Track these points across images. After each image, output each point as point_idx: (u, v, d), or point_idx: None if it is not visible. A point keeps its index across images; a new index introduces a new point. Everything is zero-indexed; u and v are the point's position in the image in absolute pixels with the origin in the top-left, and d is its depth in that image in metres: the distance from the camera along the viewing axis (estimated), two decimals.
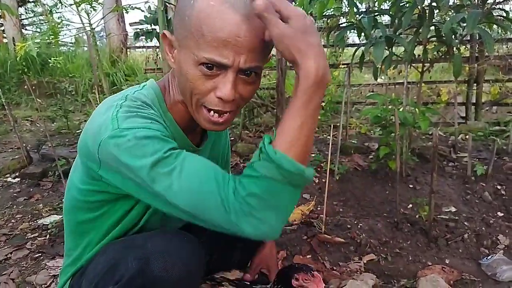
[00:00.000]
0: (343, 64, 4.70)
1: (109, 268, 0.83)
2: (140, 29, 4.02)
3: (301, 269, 1.04)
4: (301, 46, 0.68)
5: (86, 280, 0.89)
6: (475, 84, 4.10)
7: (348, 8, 2.35)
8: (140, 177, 0.73)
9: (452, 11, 2.30)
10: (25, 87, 6.47)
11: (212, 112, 0.81)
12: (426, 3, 2.11)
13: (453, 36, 2.15)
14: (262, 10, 0.67)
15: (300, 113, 0.71)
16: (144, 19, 3.79)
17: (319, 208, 2.13)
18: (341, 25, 4.07)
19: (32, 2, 11.78)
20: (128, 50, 7.79)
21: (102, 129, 0.76)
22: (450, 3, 2.09)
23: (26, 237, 1.97)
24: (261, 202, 0.71)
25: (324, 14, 3.66)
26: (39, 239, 1.94)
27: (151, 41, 4.35)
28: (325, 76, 0.70)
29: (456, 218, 1.93)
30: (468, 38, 3.76)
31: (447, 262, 1.61)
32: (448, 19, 2.13)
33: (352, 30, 2.43)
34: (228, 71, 0.75)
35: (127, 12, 3.03)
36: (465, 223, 1.88)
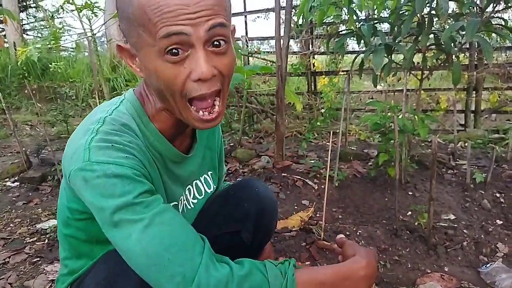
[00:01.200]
0: (342, 71, 4.71)
1: (109, 279, 0.81)
2: None
3: None
4: (368, 256, 0.87)
5: None
6: (474, 92, 4.11)
7: (348, 15, 2.36)
8: (102, 218, 0.71)
9: (451, 19, 2.33)
10: (26, 91, 6.49)
11: (201, 112, 0.76)
12: (425, 11, 2.13)
13: (452, 44, 2.16)
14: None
15: (333, 274, 0.81)
16: None
17: (318, 215, 2.13)
18: (340, 32, 4.10)
19: (34, 7, 11.83)
20: None
21: (74, 158, 0.73)
22: (449, 11, 2.10)
23: (25, 242, 1.97)
24: None
25: (324, 21, 3.68)
26: (37, 243, 1.94)
27: None
28: (367, 278, 0.83)
29: (455, 225, 1.93)
30: (467, 46, 3.78)
31: (446, 270, 1.60)
32: (447, 27, 2.14)
33: (351, 38, 2.45)
34: (194, 48, 0.69)
35: None
36: (464, 230, 1.88)
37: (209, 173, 1.12)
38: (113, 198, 0.69)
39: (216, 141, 1.15)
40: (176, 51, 0.69)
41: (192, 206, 1.05)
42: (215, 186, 1.16)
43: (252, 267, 0.77)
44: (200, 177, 1.08)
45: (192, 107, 0.76)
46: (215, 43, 0.71)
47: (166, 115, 0.84)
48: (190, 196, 1.04)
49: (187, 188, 1.03)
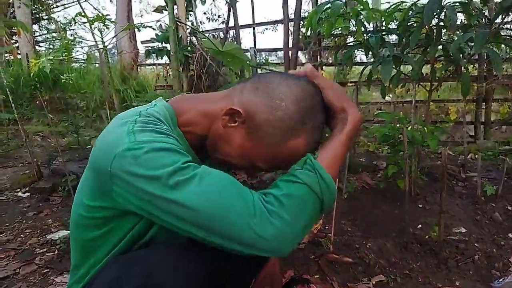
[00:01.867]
0: (351, 82, 4.72)
1: (112, 283, 0.82)
2: (151, 47, 4.11)
3: (300, 281, 1.05)
4: (347, 99, 0.89)
5: None
6: (483, 103, 4.08)
7: (356, 27, 2.37)
8: (156, 189, 0.73)
9: (460, 30, 2.32)
10: (37, 102, 6.59)
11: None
12: (433, 22, 2.13)
13: (461, 55, 2.16)
14: (313, 71, 0.90)
15: (342, 145, 0.85)
16: (155, 37, 3.87)
17: (326, 227, 2.11)
18: (348, 44, 4.11)
19: (46, 19, 12.08)
20: (139, 67, 7.92)
21: (118, 142, 0.76)
22: (458, 22, 2.10)
23: (35, 252, 1.98)
24: (295, 205, 0.76)
25: (332, 33, 3.70)
26: (47, 254, 1.95)
27: (161, 58, 4.43)
28: (361, 125, 0.90)
29: (466, 239, 1.90)
30: (476, 57, 3.77)
31: (458, 284, 1.58)
32: (456, 38, 2.14)
33: (359, 49, 2.45)
34: None
35: (139, 31, 3.10)
36: (476, 244, 1.86)
37: None
38: (164, 167, 0.73)
39: None
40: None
41: None
42: None
43: (286, 184, 0.80)
44: None
45: None
46: None
47: (195, 137, 0.93)
48: None
49: None
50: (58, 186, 2.88)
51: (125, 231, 0.89)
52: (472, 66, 3.94)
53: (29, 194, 2.89)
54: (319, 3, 2.35)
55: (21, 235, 2.20)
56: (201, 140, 0.93)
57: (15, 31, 8.32)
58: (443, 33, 2.33)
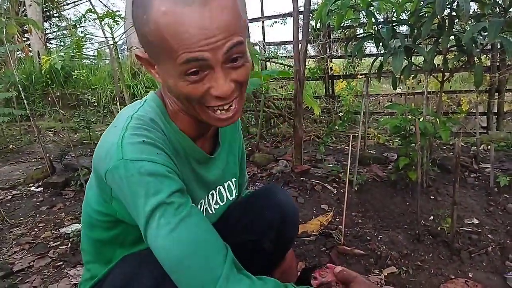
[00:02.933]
0: (360, 74, 4.68)
1: (124, 283, 0.83)
2: None
3: (315, 267, 1.04)
4: None
5: None
6: (496, 94, 4.01)
7: (366, 18, 2.35)
8: (137, 216, 0.73)
9: (473, 20, 2.28)
10: (49, 98, 6.67)
11: (218, 111, 0.76)
12: (445, 12, 2.09)
13: (473, 45, 2.12)
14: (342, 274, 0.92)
15: None
16: None
17: (337, 219, 2.11)
18: (358, 36, 4.07)
19: (57, 17, 12.17)
20: None
21: (108, 156, 0.74)
22: (471, 12, 2.06)
23: (49, 246, 2.01)
24: None
25: (341, 25, 3.66)
26: (61, 247, 1.98)
27: None
28: None
29: (479, 230, 1.88)
30: (489, 47, 3.70)
31: (471, 276, 1.56)
32: (469, 28, 2.11)
33: (370, 41, 2.43)
34: (213, 69, 0.70)
35: None
36: (489, 235, 1.84)
37: (233, 180, 1.13)
38: (147, 197, 0.71)
39: (238, 147, 1.15)
40: (195, 71, 0.70)
41: (213, 211, 1.05)
42: (237, 194, 1.16)
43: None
44: (224, 183, 1.08)
45: (210, 110, 0.77)
46: (232, 59, 0.72)
47: (185, 116, 0.86)
48: (212, 201, 1.04)
49: (210, 193, 1.03)
50: (71, 181, 2.92)
51: (136, 235, 0.87)
52: (485, 56, 3.88)
53: (42, 188, 2.93)
54: None
55: (35, 229, 2.23)
56: (190, 117, 0.85)
57: (26, 29, 8.41)
58: (455, 23, 2.29)
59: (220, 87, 0.71)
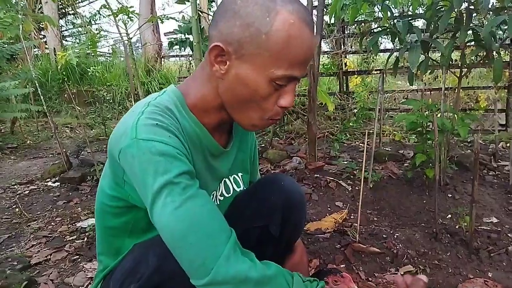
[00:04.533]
0: (375, 70, 4.62)
1: (133, 267, 0.86)
2: (174, 39, 4.12)
3: (330, 271, 1.03)
4: None
5: (114, 280, 0.91)
6: None
7: (381, 13, 2.31)
8: (144, 193, 0.75)
9: (491, 13, 2.22)
10: (65, 95, 6.76)
11: (263, 120, 0.84)
12: (463, 6, 2.05)
13: (492, 40, 2.07)
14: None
15: None
16: (178, 29, 3.88)
17: (352, 217, 2.09)
18: (373, 31, 4.01)
19: (72, 14, 12.32)
20: (162, 59, 7.99)
21: (123, 137, 0.77)
22: (489, 5, 2.01)
23: (65, 240, 2.04)
24: (267, 280, 0.76)
25: (356, 19, 3.62)
26: (77, 241, 2.01)
27: (184, 50, 4.45)
28: None
29: (499, 229, 1.84)
30: (509, 41, 3.61)
31: (490, 275, 1.53)
32: (487, 22, 2.05)
33: (385, 35, 2.39)
34: (294, 82, 0.80)
35: (162, 22, 3.12)
36: (509, 234, 1.80)
37: (240, 174, 1.13)
38: (155, 176, 0.73)
39: (249, 145, 1.16)
40: (286, 81, 0.78)
41: (218, 203, 1.06)
42: (244, 188, 1.16)
43: (279, 273, 0.79)
44: (230, 176, 1.09)
45: (258, 116, 0.84)
46: None
47: (214, 112, 0.89)
48: (218, 192, 1.05)
49: (220, 184, 1.04)
50: (87, 176, 2.96)
51: (146, 221, 0.88)
52: (504, 51, 3.78)
53: (59, 183, 2.98)
54: None
55: (52, 223, 2.26)
56: (221, 112, 0.88)
57: (43, 26, 8.53)
58: (473, 17, 2.24)
59: (290, 99, 0.81)
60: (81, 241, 2.00)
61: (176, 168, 0.74)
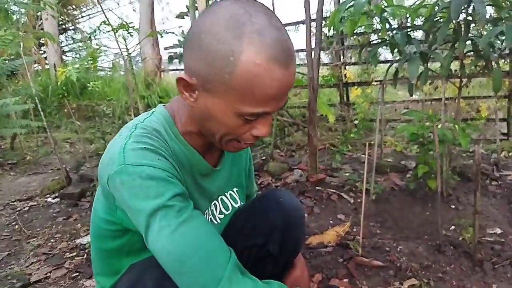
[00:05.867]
0: (375, 81, 4.63)
1: (130, 286, 0.84)
2: (173, 53, 4.15)
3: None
4: None
5: None
6: None
7: (380, 24, 2.32)
8: (138, 220, 0.73)
9: (489, 24, 2.23)
10: (65, 110, 6.77)
11: (242, 143, 0.82)
12: (461, 17, 2.05)
13: (491, 50, 2.07)
14: None
15: None
16: (178, 43, 3.91)
17: (355, 229, 2.07)
18: (372, 42, 4.03)
19: (72, 29, 12.44)
20: (162, 73, 8.03)
21: (110, 162, 0.75)
22: (487, 16, 2.02)
23: (65, 257, 2.02)
24: None
25: (355, 31, 3.63)
26: (76, 258, 1.99)
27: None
28: None
29: (503, 240, 1.82)
30: (507, 51, 3.63)
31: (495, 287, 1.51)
32: (485, 32, 2.06)
33: (384, 47, 2.40)
34: (267, 116, 0.78)
35: (161, 37, 3.14)
36: None
37: (235, 189, 1.12)
38: (147, 200, 0.71)
39: (244, 158, 1.15)
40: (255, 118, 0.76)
41: (219, 221, 1.05)
42: (242, 203, 1.15)
43: None
44: (226, 193, 1.08)
45: (235, 142, 0.82)
46: None
47: (197, 136, 0.88)
48: (216, 211, 1.04)
49: (212, 203, 1.03)
50: (87, 191, 2.94)
51: (140, 245, 0.87)
52: (503, 61, 3.80)
53: (58, 199, 2.96)
54: (341, 2, 2.31)
55: (52, 240, 2.24)
56: (204, 136, 0.87)
57: (43, 42, 8.60)
58: (471, 28, 2.25)
59: (265, 131, 0.78)
60: (81, 258, 1.99)
61: (169, 191, 0.73)
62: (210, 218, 1.02)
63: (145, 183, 0.72)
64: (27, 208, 2.85)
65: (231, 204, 1.09)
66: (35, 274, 1.85)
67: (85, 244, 2.09)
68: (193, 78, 0.75)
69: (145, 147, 0.76)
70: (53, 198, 3.00)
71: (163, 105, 0.91)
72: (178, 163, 0.83)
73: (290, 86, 0.74)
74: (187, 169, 0.89)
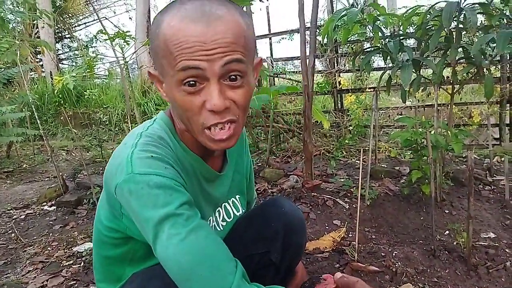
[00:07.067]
0: (369, 88, 4.68)
1: None
2: None
3: (313, 283, 1.03)
4: None
5: None
6: (508, 105, 3.97)
7: (373, 33, 2.36)
8: (146, 228, 0.74)
9: (480, 32, 2.28)
10: (62, 118, 6.77)
11: (212, 128, 0.77)
12: (452, 25, 2.10)
13: (482, 57, 2.12)
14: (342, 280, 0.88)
15: None
16: None
17: (350, 235, 2.08)
18: (366, 50, 4.08)
19: (69, 38, 12.45)
20: None
21: (118, 171, 0.76)
22: (478, 24, 2.06)
23: (62, 265, 2.02)
24: None
25: (348, 39, 3.68)
26: (74, 266, 1.98)
27: None
28: None
29: (496, 244, 1.84)
30: (498, 58, 3.68)
31: None
32: (477, 40, 2.10)
33: (377, 54, 2.44)
34: (209, 82, 0.73)
35: None
36: (507, 250, 1.80)
37: (237, 196, 1.14)
38: (156, 209, 0.72)
39: (245, 166, 1.16)
40: (193, 82, 0.73)
41: (222, 228, 1.05)
42: (243, 210, 1.16)
43: None
44: (229, 200, 1.09)
45: (206, 129, 0.78)
46: (231, 77, 0.75)
47: (190, 136, 0.87)
48: (219, 218, 1.05)
49: (216, 210, 1.04)
50: (83, 199, 2.94)
51: (144, 251, 0.90)
52: (494, 67, 3.85)
53: (55, 207, 2.95)
54: (335, 11, 2.35)
55: (48, 248, 2.24)
56: (194, 139, 0.86)
57: (39, 50, 8.61)
58: (463, 35, 2.29)
59: (213, 99, 0.73)
60: (78, 266, 1.98)
61: (177, 199, 0.73)
62: (214, 225, 1.03)
63: (153, 192, 0.72)
64: (24, 216, 2.85)
65: (233, 212, 1.10)
66: (31, 282, 1.84)
67: (82, 252, 2.09)
68: (156, 70, 0.80)
69: (151, 156, 0.77)
70: (50, 206, 3.00)
71: (164, 112, 0.93)
72: (183, 169, 0.85)
73: (214, 43, 0.71)
74: (191, 174, 0.89)
